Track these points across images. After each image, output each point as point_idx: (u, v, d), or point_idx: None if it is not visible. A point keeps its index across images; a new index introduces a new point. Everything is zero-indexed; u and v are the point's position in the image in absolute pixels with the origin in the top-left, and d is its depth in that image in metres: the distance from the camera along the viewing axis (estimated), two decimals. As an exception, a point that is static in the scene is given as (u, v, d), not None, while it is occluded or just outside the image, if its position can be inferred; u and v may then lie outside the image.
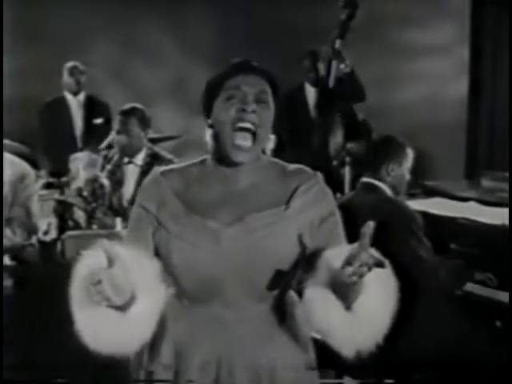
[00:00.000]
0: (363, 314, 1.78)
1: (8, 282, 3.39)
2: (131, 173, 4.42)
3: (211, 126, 1.92)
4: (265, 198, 1.91)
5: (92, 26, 6.94)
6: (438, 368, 3.16)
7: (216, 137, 1.90)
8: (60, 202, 4.55)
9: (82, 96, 6.34)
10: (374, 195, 3.41)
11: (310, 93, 6.13)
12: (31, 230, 3.52)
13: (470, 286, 3.47)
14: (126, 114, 4.39)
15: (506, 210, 3.58)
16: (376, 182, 3.44)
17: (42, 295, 3.55)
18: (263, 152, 1.96)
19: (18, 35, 6.68)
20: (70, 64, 6.26)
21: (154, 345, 1.95)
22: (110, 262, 1.67)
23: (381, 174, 3.43)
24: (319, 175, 1.98)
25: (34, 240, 3.60)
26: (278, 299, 1.94)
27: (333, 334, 1.80)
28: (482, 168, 6.09)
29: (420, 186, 4.22)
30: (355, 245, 1.67)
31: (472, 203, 3.86)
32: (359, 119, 5.83)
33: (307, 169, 1.99)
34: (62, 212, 4.51)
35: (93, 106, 6.32)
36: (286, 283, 1.91)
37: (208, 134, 1.93)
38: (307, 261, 1.90)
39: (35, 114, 6.29)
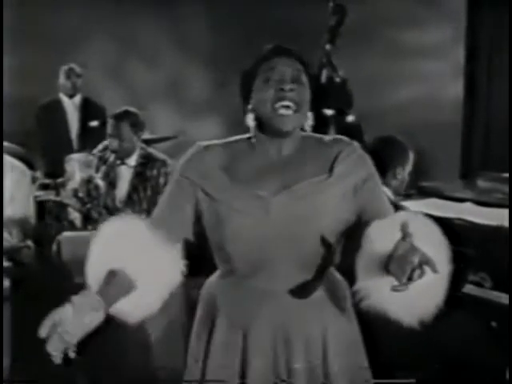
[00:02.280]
0: (418, 283, 1.76)
1: (5, 283, 3.39)
2: (124, 174, 4.42)
3: (253, 110, 1.96)
4: (308, 167, 1.98)
5: (89, 27, 6.94)
6: (433, 368, 3.17)
7: (259, 118, 1.95)
8: (56, 203, 4.55)
9: (77, 98, 6.33)
10: None
11: None
12: (27, 231, 3.51)
13: (465, 287, 3.48)
14: (118, 118, 4.38)
15: (501, 211, 3.59)
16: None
17: (38, 296, 3.54)
18: (303, 130, 2.03)
19: (16, 35, 6.67)
20: (66, 66, 6.25)
21: (209, 326, 2.02)
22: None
23: (387, 177, 3.38)
24: (356, 143, 2.06)
25: (29, 241, 3.59)
26: (321, 271, 1.98)
27: (392, 308, 1.85)
28: (477, 169, 6.09)
29: (416, 186, 4.23)
30: (399, 242, 1.69)
31: (468, 204, 3.87)
32: (352, 120, 5.86)
33: (344, 138, 2.08)
34: (58, 213, 4.51)
35: (89, 109, 6.30)
36: (330, 256, 1.96)
37: (250, 119, 1.97)
38: (352, 234, 1.95)
39: (31, 115, 6.28)
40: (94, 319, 1.79)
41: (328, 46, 5.66)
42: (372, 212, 1.96)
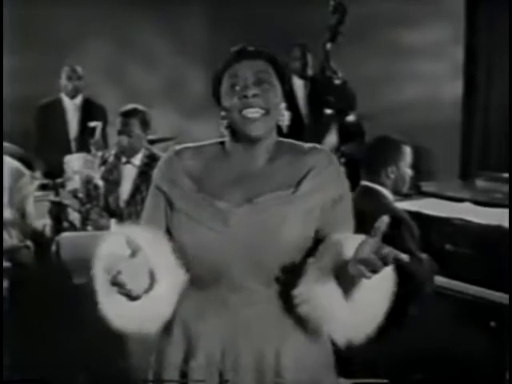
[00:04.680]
0: (360, 302, 1.80)
1: (4, 284, 3.39)
2: (128, 173, 4.42)
3: (224, 118, 1.94)
4: (276, 180, 1.93)
5: (89, 27, 6.94)
6: (432, 368, 3.17)
7: (229, 126, 1.93)
8: (55, 204, 4.54)
9: (79, 99, 6.32)
10: (374, 201, 3.34)
11: (299, 87, 6.12)
12: (26, 231, 3.52)
13: (464, 287, 3.48)
14: (128, 115, 4.39)
15: (500, 211, 3.60)
16: (376, 187, 3.38)
17: (37, 296, 3.54)
18: (280, 129, 1.98)
19: (16, 36, 6.68)
20: (68, 68, 6.24)
21: (166, 328, 1.99)
22: (133, 252, 1.71)
23: (381, 177, 3.37)
24: (333, 156, 2.01)
25: (28, 241, 3.59)
26: (287, 285, 1.92)
27: (328, 320, 1.83)
28: (476, 168, 6.10)
29: (415, 186, 4.22)
30: (367, 240, 1.68)
31: (467, 204, 3.87)
32: (353, 120, 5.86)
33: (322, 148, 2.02)
34: (57, 213, 4.50)
35: (89, 109, 6.29)
36: (296, 270, 1.90)
37: (222, 126, 1.95)
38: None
39: (30, 115, 6.28)
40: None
41: (329, 45, 5.66)
42: (331, 231, 1.91)
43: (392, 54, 7.05)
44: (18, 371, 3.13)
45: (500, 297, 3.35)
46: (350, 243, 1.76)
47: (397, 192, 3.43)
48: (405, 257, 1.65)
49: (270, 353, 1.93)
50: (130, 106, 4.45)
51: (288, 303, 1.93)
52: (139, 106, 4.46)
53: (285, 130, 1.99)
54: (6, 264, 3.42)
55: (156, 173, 2.03)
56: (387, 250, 1.65)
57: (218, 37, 6.75)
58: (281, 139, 2.01)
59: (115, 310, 1.86)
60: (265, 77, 1.91)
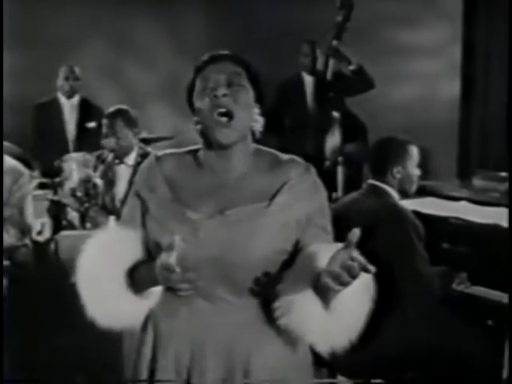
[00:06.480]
0: (339, 311, 1.79)
1: (3, 283, 3.39)
2: (123, 173, 4.43)
3: (197, 123, 1.94)
4: (251, 192, 1.92)
5: (88, 27, 6.94)
6: (430, 367, 3.18)
7: (202, 131, 1.93)
8: (53, 202, 4.55)
9: (76, 99, 6.30)
10: (380, 199, 3.34)
11: (308, 84, 6.11)
12: (25, 230, 3.52)
13: (461, 286, 3.49)
14: (112, 116, 4.41)
15: (497, 210, 3.60)
16: (383, 186, 3.37)
17: (35, 295, 3.55)
18: (254, 135, 1.97)
19: (16, 36, 6.67)
20: (65, 67, 6.22)
21: (142, 328, 2.00)
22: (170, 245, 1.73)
23: (387, 177, 3.36)
24: (311, 169, 1.98)
25: (27, 240, 3.60)
26: (262, 297, 1.92)
27: (308, 330, 1.82)
28: (473, 167, 6.09)
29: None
30: (339, 251, 1.68)
31: (464, 203, 3.88)
32: (357, 119, 5.85)
33: (300, 160, 1.99)
34: (56, 212, 4.51)
35: (87, 109, 6.28)
36: (271, 283, 1.88)
37: (196, 131, 1.95)
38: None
39: (28, 114, 6.28)
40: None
41: (335, 42, 5.63)
42: (308, 244, 1.90)
43: (390, 53, 7.05)
44: (19, 371, 3.13)
45: (497, 295, 3.35)
46: (324, 254, 1.76)
47: (404, 192, 3.40)
48: (372, 268, 1.64)
49: (239, 359, 1.92)
50: (113, 108, 4.47)
51: (264, 314, 1.92)
52: (123, 106, 4.47)
53: (257, 135, 1.97)
54: (5, 263, 3.43)
55: (137, 178, 2.05)
56: (354, 262, 1.63)
57: (216, 36, 6.76)
58: (260, 148, 2.00)
59: (101, 308, 1.91)
60: (235, 79, 1.91)
